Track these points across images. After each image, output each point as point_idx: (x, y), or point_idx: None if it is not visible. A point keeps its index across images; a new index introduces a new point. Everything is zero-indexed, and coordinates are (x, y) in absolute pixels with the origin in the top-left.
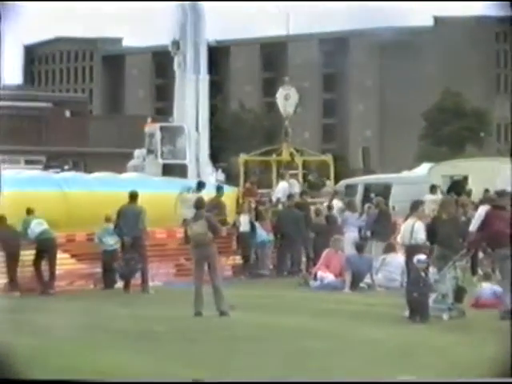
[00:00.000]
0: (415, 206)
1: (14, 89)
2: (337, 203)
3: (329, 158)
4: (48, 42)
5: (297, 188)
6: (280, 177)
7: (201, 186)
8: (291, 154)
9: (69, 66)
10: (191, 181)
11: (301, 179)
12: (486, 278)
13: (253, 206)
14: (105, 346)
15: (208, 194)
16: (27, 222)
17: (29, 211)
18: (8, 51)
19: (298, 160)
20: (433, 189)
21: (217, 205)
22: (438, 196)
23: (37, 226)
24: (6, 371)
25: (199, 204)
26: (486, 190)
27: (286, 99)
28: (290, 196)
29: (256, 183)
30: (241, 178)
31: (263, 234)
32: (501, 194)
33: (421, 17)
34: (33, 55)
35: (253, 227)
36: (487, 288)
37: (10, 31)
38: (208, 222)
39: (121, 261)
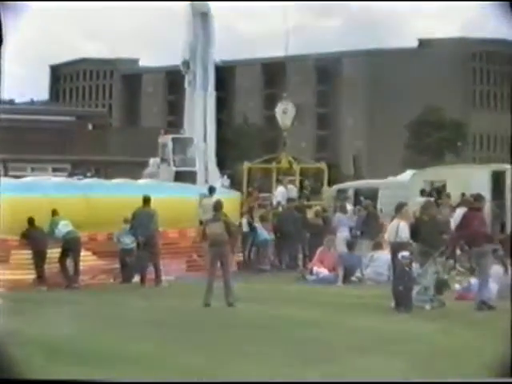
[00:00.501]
0: (399, 208)
1: (41, 104)
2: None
3: (323, 165)
4: (72, 62)
5: (295, 193)
6: (279, 182)
7: (212, 190)
8: (289, 162)
9: (91, 84)
10: (202, 187)
11: (298, 185)
12: (466, 273)
13: (255, 208)
14: (124, 334)
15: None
16: (55, 223)
17: (54, 213)
18: (35, 71)
19: (296, 167)
20: (423, 192)
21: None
22: (429, 199)
23: (64, 227)
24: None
25: (218, 206)
26: (463, 194)
27: (285, 113)
28: (289, 200)
29: (258, 188)
30: (244, 184)
31: (264, 233)
32: (476, 197)
33: (406, 39)
34: (59, 74)
35: (252, 228)
36: (469, 282)
37: (35, 50)
38: (225, 223)
39: (136, 258)
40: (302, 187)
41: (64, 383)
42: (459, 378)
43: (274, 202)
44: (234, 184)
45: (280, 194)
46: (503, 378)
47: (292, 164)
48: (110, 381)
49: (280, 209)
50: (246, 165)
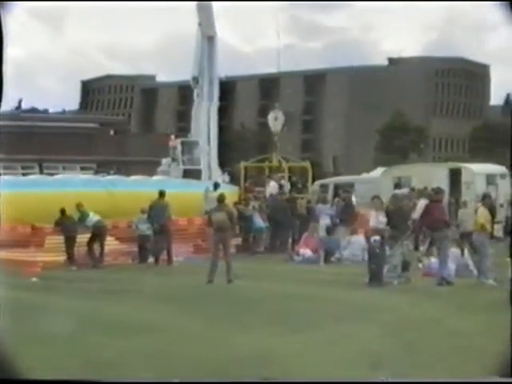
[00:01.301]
0: (375, 200)
1: (73, 113)
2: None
3: (307, 164)
4: (100, 78)
5: (286, 187)
6: (271, 178)
7: (216, 185)
8: (279, 161)
9: (115, 97)
10: (206, 182)
11: (287, 181)
12: (428, 254)
13: (251, 199)
14: (141, 306)
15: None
16: (86, 214)
17: (79, 205)
18: (68, 85)
19: (285, 166)
20: (397, 185)
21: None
22: (403, 190)
23: (94, 217)
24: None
25: (222, 198)
26: (425, 188)
27: (276, 120)
28: (281, 193)
29: (253, 183)
30: (241, 180)
31: (259, 221)
32: (436, 190)
33: (379, 57)
34: (88, 88)
35: (243, 217)
36: (433, 261)
37: (67, 67)
38: (228, 213)
39: (152, 242)
40: (290, 183)
41: (64, 383)
42: (450, 377)
43: (267, 195)
44: (233, 180)
45: (272, 187)
46: (503, 378)
47: (281, 163)
48: (110, 381)
49: (271, 199)
50: (243, 164)
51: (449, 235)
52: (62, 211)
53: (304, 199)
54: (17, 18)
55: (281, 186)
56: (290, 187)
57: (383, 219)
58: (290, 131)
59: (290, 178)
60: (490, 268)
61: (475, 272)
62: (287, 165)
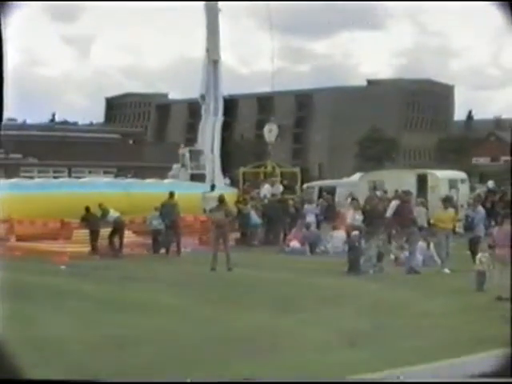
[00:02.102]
0: (352, 201)
1: (98, 126)
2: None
3: (297, 170)
4: (121, 96)
5: (279, 189)
6: (265, 182)
7: (213, 187)
8: (273, 167)
9: (134, 112)
10: (207, 185)
11: (280, 184)
12: (399, 247)
13: (248, 200)
14: (153, 289)
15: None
16: (107, 211)
17: (100, 204)
18: (94, 101)
19: (278, 171)
20: (375, 188)
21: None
22: (378, 193)
23: (114, 214)
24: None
25: (222, 199)
26: (396, 191)
27: (270, 132)
28: (273, 194)
29: (250, 186)
30: (240, 183)
31: (255, 218)
32: (406, 193)
33: (358, 79)
34: (111, 104)
35: (247, 215)
36: (403, 254)
37: (94, 85)
38: (226, 211)
39: (163, 236)
40: (282, 186)
41: (64, 383)
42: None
43: (262, 195)
44: (233, 183)
45: (266, 189)
46: (503, 378)
47: (275, 169)
48: (110, 381)
49: (265, 200)
50: (242, 169)
51: (415, 231)
52: (87, 208)
53: (293, 199)
54: (50, 43)
55: (274, 189)
56: (282, 190)
57: (359, 217)
58: (283, 142)
59: (281, 181)
60: (446, 259)
61: (439, 262)
62: (280, 170)
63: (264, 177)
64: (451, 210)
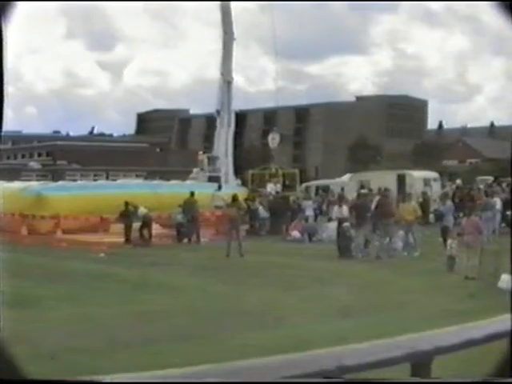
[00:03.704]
0: (340, 197)
1: (130, 137)
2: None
3: (296, 171)
4: (150, 112)
5: (279, 188)
6: (269, 181)
7: (220, 187)
8: (276, 169)
9: (160, 125)
10: (215, 185)
11: (282, 183)
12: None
13: (257, 197)
14: (178, 272)
15: (227, 191)
16: (137, 208)
17: (131, 203)
18: (127, 116)
19: (280, 172)
20: (363, 186)
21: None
22: (364, 190)
23: (143, 210)
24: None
25: (235, 197)
26: (380, 188)
27: (273, 139)
28: (277, 192)
29: (257, 185)
30: (249, 182)
31: (263, 212)
32: (384, 189)
33: (348, 95)
34: (142, 118)
35: (255, 210)
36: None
37: (126, 103)
38: (238, 208)
39: (185, 228)
40: (284, 185)
41: (64, 383)
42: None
43: (267, 192)
44: (244, 183)
45: (269, 187)
46: (503, 378)
47: (277, 170)
48: (110, 381)
49: (271, 197)
50: (250, 172)
51: (389, 222)
52: (126, 204)
53: (293, 196)
54: (90, 67)
55: (276, 187)
56: (283, 188)
57: (345, 211)
58: (285, 148)
59: (283, 181)
60: (415, 245)
61: (417, 248)
62: (282, 171)
63: (269, 177)
64: (413, 204)
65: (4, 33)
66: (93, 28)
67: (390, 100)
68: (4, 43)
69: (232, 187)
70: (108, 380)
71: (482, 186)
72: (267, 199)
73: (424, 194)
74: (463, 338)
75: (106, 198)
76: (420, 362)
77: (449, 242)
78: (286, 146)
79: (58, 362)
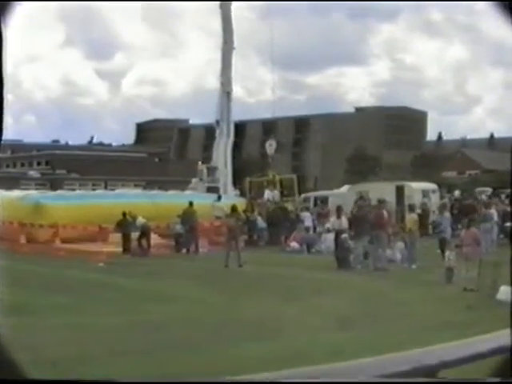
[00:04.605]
0: (338, 209)
1: (129, 146)
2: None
3: (294, 177)
4: (149, 121)
5: (277, 196)
6: (267, 188)
7: (219, 198)
8: (273, 176)
9: (159, 134)
10: (214, 195)
11: (279, 190)
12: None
13: (255, 207)
14: (176, 282)
15: (226, 202)
16: (135, 218)
17: (130, 213)
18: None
19: (277, 178)
20: (361, 197)
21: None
22: (363, 202)
23: (141, 220)
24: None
25: (235, 208)
26: (378, 200)
27: (270, 146)
28: (276, 202)
29: (256, 192)
30: (247, 191)
31: (261, 223)
32: (380, 201)
33: (348, 106)
34: (141, 128)
35: (254, 220)
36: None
37: (124, 113)
38: (237, 219)
39: (184, 238)
40: (281, 191)
41: (64, 383)
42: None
43: (265, 200)
44: (242, 194)
45: (266, 194)
46: (503, 378)
47: (275, 176)
48: (110, 380)
49: (268, 203)
50: (248, 179)
51: (383, 235)
52: (124, 214)
53: (292, 204)
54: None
55: (273, 194)
56: (281, 195)
57: (345, 222)
58: (283, 159)
59: (281, 187)
60: (414, 257)
61: (415, 260)
62: (279, 178)
63: (266, 184)
64: (413, 215)
65: (4, 34)
66: (91, 36)
67: (389, 111)
68: (4, 44)
69: (231, 197)
70: (108, 380)
71: (480, 198)
72: (266, 209)
73: (423, 205)
74: (470, 352)
75: (104, 208)
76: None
77: (447, 253)
78: (285, 156)
79: (55, 369)
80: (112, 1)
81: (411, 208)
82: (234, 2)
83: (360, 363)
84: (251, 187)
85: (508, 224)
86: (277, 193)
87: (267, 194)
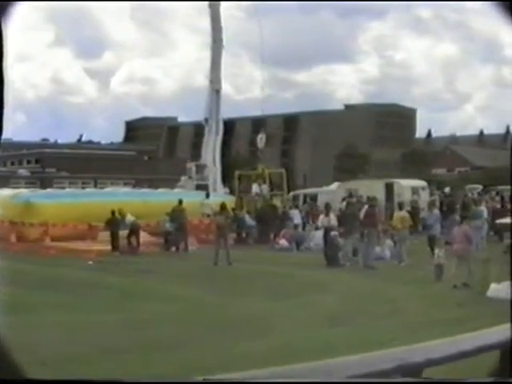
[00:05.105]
0: (326, 207)
1: (118, 144)
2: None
3: (283, 170)
4: (138, 119)
5: (266, 190)
6: (255, 182)
7: (208, 195)
8: (262, 169)
9: (148, 132)
10: (203, 193)
11: (268, 184)
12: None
13: (244, 205)
14: (165, 280)
15: (215, 200)
16: (124, 216)
17: (120, 210)
18: (115, 124)
19: (266, 172)
20: (350, 195)
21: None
22: (352, 199)
23: (130, 218)
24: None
25: (224, 206)
26: (368, 197)
27: (261, 140)
28: (264, 196)
29: (244, 186)
30: (236, 184)
31: (250, 221)
32: (372, 199)
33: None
34: (130, 126)
35: (242, 218)
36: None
37: (114, 111)
38: (226, 217)
39: (173, 236)
40: (270, 185)
41: (64, 383)
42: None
43: (253, 194)
44: (231, 191)
45: (254, 188)
46: (503, 378)
47: (264, 170)
48: (110, 380)
49: (256, 198)
50: (237, 172)
51: (374, 233)
52: (113, 212)
53: (279, 196)
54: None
55: (261, 188)
56: (270, 189)
57: (334, 220)
58: (273, 156)
59: (270, 181)
60: (403, 254)
61: (404, 257)
62: (268, 171)
63: (255, 177)
64: (402, 213)
65: (4, 33)
66: (81, 35)
67: (378, 108)
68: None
69: (220, 195)
70: (108, 380)
71: (471, 194)
72: (254, 205)
73: (413, 202)
74: (455, 350)
75: (94, 206)
76: (411, 374)
77: (436, 250)
78: (274, 153)
79: (44, 368)
80: (102, 0)
81: (400, 206)
82: (223, 1)
83: (347, 360)
84: (240, 180)
85: (500, 221)
86: (266, 187)
87: (255, 188)
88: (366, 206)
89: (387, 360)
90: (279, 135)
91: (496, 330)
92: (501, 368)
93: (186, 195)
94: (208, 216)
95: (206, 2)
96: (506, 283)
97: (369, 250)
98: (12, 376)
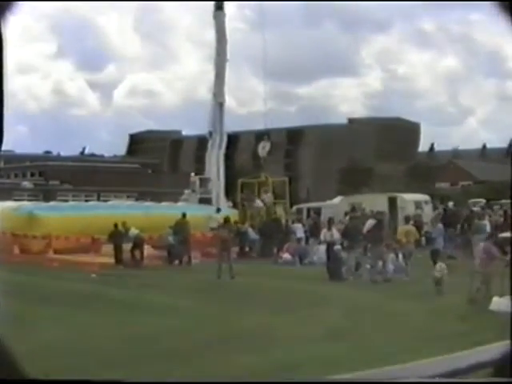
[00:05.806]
0: (329, 221)
1: (122, 157)
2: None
3: (286, 179)
4: (142, 132)
5: (271, 198)
6: (257, 196)
7: (219, 210)
8: (265, 178)
9: (152, 146)
10: (212, 207)
11: (271, 193)
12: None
13: (247, 219)
14: (169, 293)
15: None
16: (128, 229)
17: (124, 223)
18: (118, 137)
19: (269, 180)
20: (353, 209)
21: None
22: (356, 214)
23: (134, 231)
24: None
25: (227, 219)
26: (371, 211)
27: (263, 148)
28: (268, 209)
29: (246, 195)
30: (238, 193)
31: (253, 235)
32: (379, 213)
33: (338, 117)
34: (134, 139)
35: (245, 232)
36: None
37: (117, 124)
38: (230, 230)
39: (176, 249)
40: (274, 195)
41: (64, 383)
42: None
43: (257, 208)
44: (235, 205)
45: (258, 203)
46: (503, 378)
47: (267, 178)
48: (110, 380)
49: (260, 207)
50: (240, 181)
51: (382, 247)
52: (115, 225)
53: (282, 204)
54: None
55: (266, 197)
56: (274, 198)
57: (336, 234)
58: (276, 170)
59: (273, 191)
60: (407, 268)
61: (408, 271)
62: (271, 180)
63: (258, 185)
64: (409, 226)
65: (4, 34)
66: (83, 47)
67: (382, 122)
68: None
69: (224, 209)
70: (108, 380)
71: (475, 209)
72: (258, 218)
73: (417, 216)
74: (448, 369)
75: (97, 219)
76: None
77: (438, 264)
78: (278, 167)
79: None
80: (104, 0)
81: (407, 219)
82: (227, 14)
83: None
84: (243, 189)
85: (504, 235)
86: (270, 195)
87: (257, 202)
88: (369, 220)
89: (390, 376)
90: (282, 148)
91: (488, 347)
92: (501, 368)
93: (189, 208)
94: (214, 229)
95: (211, 14)
96: (507, 297)
97: (376, 264)
98: (12, 376)
